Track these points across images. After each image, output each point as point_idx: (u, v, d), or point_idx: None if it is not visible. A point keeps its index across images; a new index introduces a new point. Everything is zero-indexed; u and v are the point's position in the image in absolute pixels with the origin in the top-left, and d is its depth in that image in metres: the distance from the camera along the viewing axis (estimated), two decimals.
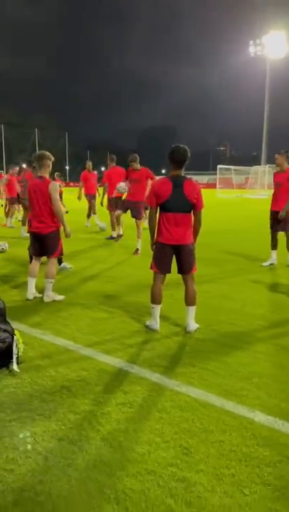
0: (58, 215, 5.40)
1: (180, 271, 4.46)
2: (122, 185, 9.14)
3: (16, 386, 3.27)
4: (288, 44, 59.57)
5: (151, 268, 4.52)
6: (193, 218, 4.39)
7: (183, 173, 4.38)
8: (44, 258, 5.71)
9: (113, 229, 10.92)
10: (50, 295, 5.42)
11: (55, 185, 5.38)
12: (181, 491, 2.19)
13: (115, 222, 10.51)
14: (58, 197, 5.41)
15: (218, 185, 41.52)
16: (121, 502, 2.11)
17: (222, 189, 40.00)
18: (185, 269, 4.41)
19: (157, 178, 7.29)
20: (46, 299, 5.39)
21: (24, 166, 13.20)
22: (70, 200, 14.89)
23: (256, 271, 7.34)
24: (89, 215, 13.32)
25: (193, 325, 4.44)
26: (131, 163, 8.86)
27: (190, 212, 4.33)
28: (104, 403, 3.03)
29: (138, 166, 8.81)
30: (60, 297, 5.47)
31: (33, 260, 5.68)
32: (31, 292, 5.48)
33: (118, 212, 9.61)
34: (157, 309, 4.49)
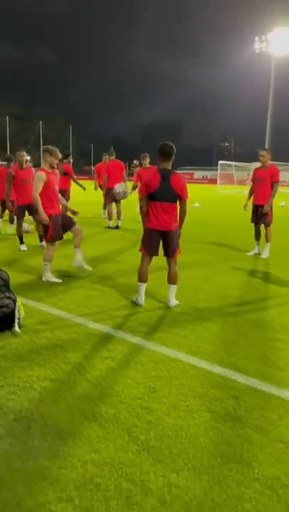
0: (33, 200, 5.94)
1: (165, 254, 5.06)
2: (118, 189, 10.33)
3: (18, 344, 3.88)
4: None
5: (140, 250, 5.12)
6: (179, 207, 4.98)
7: (170, 166, 4.94)
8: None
9: (110, 219, 11.54)
10: (46, 276, 5.99)
11: (38, 175, 5.93)
12: (145, 414, 2.80)
13: (112, 213, 11.18)
14: (38, 185, 5.85)
15: (219, 181, 42.04)
16: (97, 420, 2.73)
17: (223, 185, 40.49)
18: (170, 252, 5.01)
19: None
20: (43, 279, 5.99)
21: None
22: (78, 193, 15.32)
23: (241, 259, 7.93)
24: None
25: (173, 301, 5.04)
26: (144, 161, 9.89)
27: (176, 202, 4.91)
28: (91, 357, 3.65)
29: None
30: (58, 280, 6.00)
31: None
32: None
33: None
34: (143, 287, 5.10)
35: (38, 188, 5.87)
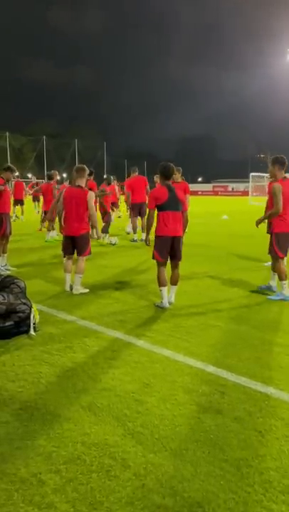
0: (92, 218, 6.35)
1: (172, 258, 5.56)
2: None
3: (32, 345, 4.28)
4: None
5: (153, 258, 5.53)
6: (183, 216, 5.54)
7: (170, 182, 5.54)
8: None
9: (135, 232, 11.95)
10: (78, 288, 6.30)
11: (92, 194, 6.34)
12: (136, 406, 3.11)
13: (137, 227, 11.60)
14: (93, 204, 6.32)
15: (251, 193, 41.95)
16: (92, 409, 3.06)
17: (256, 197, 40.35)
18: (177, 256, 5.54)
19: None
20: (75, 292, 6.26)
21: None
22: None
23: (256, 269, 8.12)
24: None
25: (173, 298, 5.67)
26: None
27: (181, 210, 5.46)
28: (96, 357, 3.99)
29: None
30: (86, 290, 6.36)
31: (66, 259, 6.52)
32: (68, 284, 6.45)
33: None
34: (165, 291, 5.53)
35: (93, 206, 6.38)
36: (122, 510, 2.14)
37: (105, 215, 11.86)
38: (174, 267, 5.59)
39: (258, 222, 6.43)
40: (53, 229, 12.05)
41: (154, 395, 3.27)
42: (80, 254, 6.38)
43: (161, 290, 5.52)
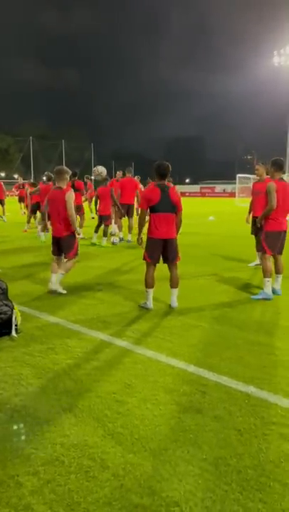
0: (70, 218, 6.22)
1: (166, 260, 5.53)
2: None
3: (14, 347, 4.25)
4: None
5: (144, 259, 5.53)
6: (176, 218, 5.49)
7: (166, 182, 5.47)
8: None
9: (120, 230, 11.97)
10: (58, 286, 6.25)
11: (71, 194, 6.24)
12: (116, 406, 3.11)
13: (122, 226, 11.66)
14: (72, 204, 6.20)
15: (238, 194, 42.17)
16: (73, 411, 3.05)
17: (243, 198, 40.58)
18: (171, 258, 5.50)
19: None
20: (50, 286, 6.26)
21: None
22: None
23: (240, 270, 8.17)
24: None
25: (176, 303, 5.57)
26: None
27: (175, 212, 5.40)
28: (78, 358, 3.98)
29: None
30: (64, 291, 6.31)
31: (54, 259, 6.50)
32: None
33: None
34: (150, 292, 5.51)
35: (72, 206, 6.22)
36: (100, 510, 2.13)
37: (108, 219, 11.56)
38: (171, 268, 5.53)
39: (259, 222, 6.49)
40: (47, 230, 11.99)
41: (136, 396, 3.27)
42: (65, 255, 6.38)
43: (147, 291, 5.50)
